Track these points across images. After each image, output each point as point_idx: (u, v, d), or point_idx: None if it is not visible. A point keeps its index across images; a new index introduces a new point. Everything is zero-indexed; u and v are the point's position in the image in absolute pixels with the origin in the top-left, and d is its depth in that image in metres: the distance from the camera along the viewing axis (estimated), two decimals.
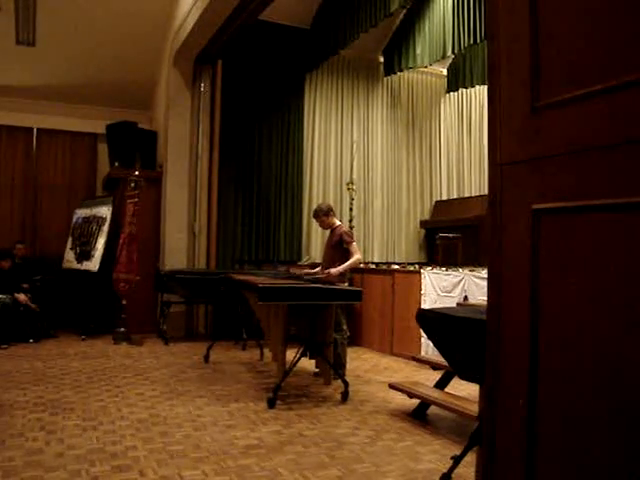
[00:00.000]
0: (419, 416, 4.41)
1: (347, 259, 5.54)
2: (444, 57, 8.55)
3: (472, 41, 7.59)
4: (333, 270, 5.47)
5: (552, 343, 1.42)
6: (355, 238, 6.03)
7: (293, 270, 6.98)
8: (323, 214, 5.82)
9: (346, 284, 5.70)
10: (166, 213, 8.34)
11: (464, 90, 10.44)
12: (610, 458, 1.27)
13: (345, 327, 5.71)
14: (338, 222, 5.92)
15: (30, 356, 6.43)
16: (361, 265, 7.98)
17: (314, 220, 6.10)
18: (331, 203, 8.11)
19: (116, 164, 8.56)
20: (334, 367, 5.16)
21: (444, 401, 4.10)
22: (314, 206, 9.37)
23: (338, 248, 5.64)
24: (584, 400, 1.33)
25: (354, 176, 9.36)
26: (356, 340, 7.62)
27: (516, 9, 1.56)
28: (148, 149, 8.75)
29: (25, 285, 7.62)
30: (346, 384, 4.94)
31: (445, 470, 3.06)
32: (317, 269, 5.99)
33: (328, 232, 5.99)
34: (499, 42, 1.62)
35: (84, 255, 8.38)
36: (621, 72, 1.26)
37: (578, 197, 1.35)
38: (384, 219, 10.01)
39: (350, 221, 8.51)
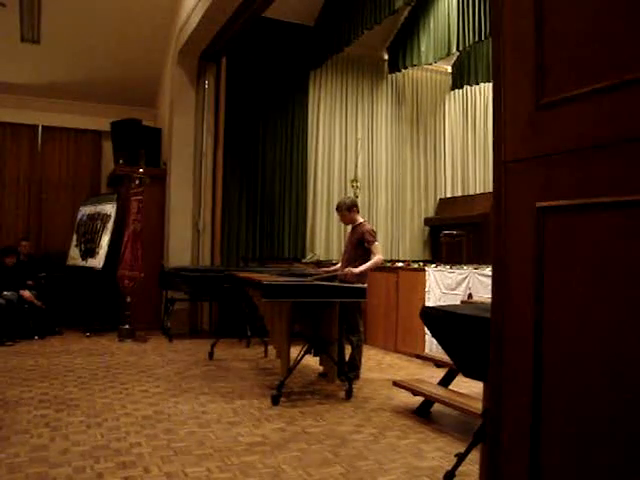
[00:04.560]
0: (423, 413, 4.41)
1: (368, 258, 5.38)
2: (449, 54, 8.52)
3: (477, 38, 7.56)
4: (353, 270, 5.33)
5: (556, 341, 1.42)
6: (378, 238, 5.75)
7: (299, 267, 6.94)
8: (345, 208, 5.62)
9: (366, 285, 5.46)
10: (170, 210, 8.35)
11: (469, 87, 10.42)
12: (612, 455, 1.27)
13: (362, 329, 5.63)
14: (361, 219, 5.70)
15: (35, 353, 6.46)
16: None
17: (336, 213, 5.92)
18: (335, 200, 8.09)
19: (120, 161, 8.57)
20: (339, 365, 5.17)
21: (448, 398, 4.10)
22: (318, 203, 9.44)
23: (359, 246, 5.45)
24: (588, 398, 1.33)
25: (358, 173, 9.35)
26: None
27: (521, 6, 1.55)
28: (152, 146, 8.77)
29: (30, 282, 7.65)
30: (350, 381, 4.94)
31: (449, 468, 3.06)
32: (336, 266, 5.94)
33: (349, 229, 5.83)
34: (504, 40, 1.62)
35: (89, 252, 8.40)
36: (625, 70, 1.25)
37: (582, 195, 1.35)
38: (388, 216, 10.00)
39: None
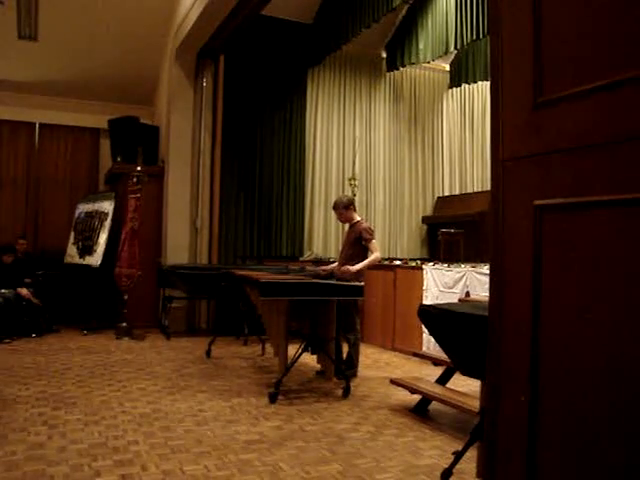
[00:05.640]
0: (420, 412, 4.42)
1: (365, 256, 5.41)
2: (447, 53, 8.52)
3: (475, 37, 7.56)
4: (350, 267, 5.35)
5: (553, 339, 1.42)
6: (375, 235, 5.75)
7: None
8: (342, 207, 5.64)
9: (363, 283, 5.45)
10: (168, 208, 8.34)
11: (467, 86, 10.42)
12: (610, 454, 1.27)
13: (359, 327, 5.64)
14: (358, 217, 5.72)
15: (32, 351, 6.45)
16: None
17: (333, 212, 5.93)
18: (332, 198, 8.09)
19: (118, 159, 8.56)
20: (337, 364, 5.17)
21: (445, 397, 4.11)
22: (316, 201, 9.44)
23: (357, 245, 5.47)
24: (585, 396, 1.33)
25: (356, 171, 9.35)
26: None
27: (519, 4, 1.55)
28: (150, 144, 8.75)
29: (28, 280, 7.63)
30: (347, 379, 4.94)
31: (446, 465, 3.07)
32: (333, 265, 5.94)
33: (346, 227, 5.83)
34: (502, 38, 1.62)
35: (86, 250, 8.39)
36: (623, 68, 1.25)
37: (580, 193, 1.35)
38: (386, 215, 10.01)
39: None
